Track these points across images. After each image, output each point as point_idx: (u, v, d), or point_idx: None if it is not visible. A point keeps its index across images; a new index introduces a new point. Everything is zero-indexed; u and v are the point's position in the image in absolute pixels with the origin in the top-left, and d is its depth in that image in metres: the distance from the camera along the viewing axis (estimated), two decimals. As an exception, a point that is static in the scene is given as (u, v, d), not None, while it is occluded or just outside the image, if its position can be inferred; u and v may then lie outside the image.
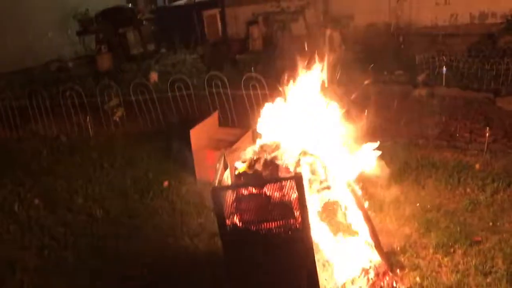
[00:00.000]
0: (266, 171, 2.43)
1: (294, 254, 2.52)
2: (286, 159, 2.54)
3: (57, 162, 5.51)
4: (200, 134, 4.73)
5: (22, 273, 3.60)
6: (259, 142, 2.76)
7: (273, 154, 2.55)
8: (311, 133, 2.80)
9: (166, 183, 4.65)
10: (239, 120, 5.51)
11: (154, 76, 8.02)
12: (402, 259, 3.14)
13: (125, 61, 9.44)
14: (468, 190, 3.91)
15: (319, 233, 3.02)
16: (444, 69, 6.12)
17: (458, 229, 3.40)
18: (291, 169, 2.50)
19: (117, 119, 6.20)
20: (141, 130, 6.12)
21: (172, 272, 3.35)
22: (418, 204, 3.75)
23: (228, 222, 2.46)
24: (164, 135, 5.71)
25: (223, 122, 5.48)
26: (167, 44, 10.08)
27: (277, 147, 2.64)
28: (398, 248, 3.25)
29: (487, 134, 4.56)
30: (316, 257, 2.85)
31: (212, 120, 5.12)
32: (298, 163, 2.56)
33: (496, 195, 3.79)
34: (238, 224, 2.48)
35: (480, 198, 3.77)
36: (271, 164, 2.47)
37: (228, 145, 4.46)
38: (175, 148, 4.93)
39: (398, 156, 4.45)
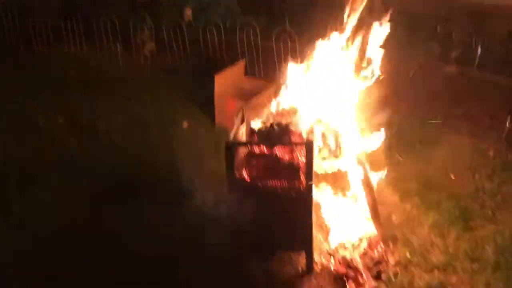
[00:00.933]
0: (280, 134, 2.55)
1: (294, 212, 2.68)
2: (301, 125, 2.64)
3: (85, 86, 5.65)
4: (225, 80, 4.81)
5: (41, 186, 3.81)
6: (277, 102, 2.85)
7: (288, 119, 2.65)
8: (329, 101, 2.88)
9: (185, 124, 4.80)
10: (266, 72, 5.54)
11: (188, 13, 7.99)
12: (397, 233, 3.22)
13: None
14: (476, 176, 3.89)
15: (322, 196, 3.17)
16: (479, 50, 5.96)
17: (457, 213, 3.45)
18: (304, 135, 2.60)
19: (147, 53, 6.28)
20: (169, 67, 6.20)
21: (179, 208, 3.49)
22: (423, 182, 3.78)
23: (237, 175, 2.61)
24: (190, 75, 5.81)
25: (250, 71, 5.52)
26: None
27: (293, 112, 2.73)
28: (396, 222, 3.34)
29: (507, 122, 4.50)
30: (315, 218, 3.01)
31: (239, 68, 5.17)
32: (311, 130, 2.67)
33: (502, 186, 3.77)
34: (246, 178, 2.63)
35: (486, 186, 3.76)
36: (285, 128, 2.58)
37: (250, 96, 4.53)
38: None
39: (412, 131, 4.45)
